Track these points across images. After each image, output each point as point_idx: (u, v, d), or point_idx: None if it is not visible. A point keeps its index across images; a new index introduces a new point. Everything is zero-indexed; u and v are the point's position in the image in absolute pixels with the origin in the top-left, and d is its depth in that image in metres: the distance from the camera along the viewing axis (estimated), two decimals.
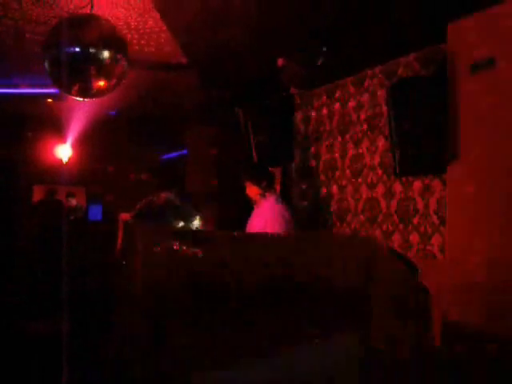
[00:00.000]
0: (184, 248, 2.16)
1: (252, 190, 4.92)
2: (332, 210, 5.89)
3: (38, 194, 9.90)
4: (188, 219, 2.46)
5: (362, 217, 5.50)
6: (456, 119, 4.29)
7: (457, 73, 4.29)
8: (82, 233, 8.77)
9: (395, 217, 5.11)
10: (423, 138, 4.47)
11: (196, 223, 2.50)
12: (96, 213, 10.33)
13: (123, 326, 2.41)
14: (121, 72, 4.45)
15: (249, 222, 4.92)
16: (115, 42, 4.43)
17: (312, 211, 6.12)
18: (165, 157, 9.72)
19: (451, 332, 4.25)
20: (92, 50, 4.22)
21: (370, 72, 5.49)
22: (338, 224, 5.80)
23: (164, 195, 2.57)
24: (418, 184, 4.88)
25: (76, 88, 4.49)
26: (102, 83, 4.42)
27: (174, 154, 9.31)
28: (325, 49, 4.96)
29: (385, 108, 5.09)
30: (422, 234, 4.82)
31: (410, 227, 4.94)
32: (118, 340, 2.60)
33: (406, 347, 2.67)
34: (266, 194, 4.88)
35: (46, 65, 4.46)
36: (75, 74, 4.38)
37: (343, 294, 2.62)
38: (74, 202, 9.57)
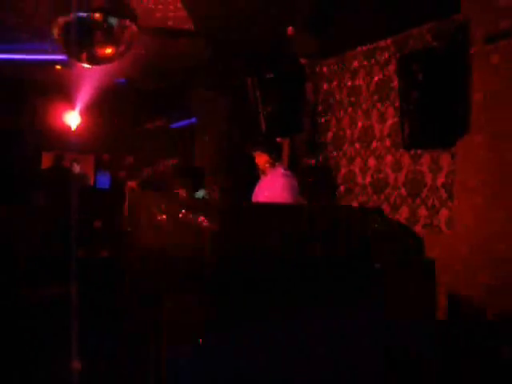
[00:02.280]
0: (189, 217, 2.17)
1: (261, 159, 4.88)
2: (340, 181, 5.87)
3: (46, 161, 9.92)
4: (194, 188, 2.46)
5: (369, 189, 5.48)
6: (468, 92, 4.24)
7: (471, 44, 4.22)
8: (90, 200, 8.81)
9: (403, 190, 5.08)
10: (434, 111, 4.42)
11: (202, 192, 2.50)
12: (104, 181, 10.35)
13: (129, 292, 2.43)
14: (129, 39, 4.42)
15: (255, 191, 4.90)
16: (123, 8, 4.39)
17: (319, 183, 6.10)
18: (174, 125, 9.67)
19: (456, 305, 4.27)
20: (100, 17, 4.18)
21: (381, 43, 5.41)
22: (346, 196, 5.78)
23: (170, 163, 2.56)
24: (426, 157, 4.85)
25: (84, 54, 4.46)
26: (109, 50, 4.40)
27: (183, 123, 9.25)
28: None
29: (395, 79, 5.03)
30: (429, 207, 4.80)
31: (417, 201, 4.92)
32: (125, 305, 2.63)
33: (412, 317, 2.69)
34: (275, 163, 4.85)
35: (55, 31, 4.44)
36: (83, 41, 4.35)
37: (349, 265, 2.63)
38: (77, 168, 9.55)
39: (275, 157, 4.87)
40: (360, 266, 2.62)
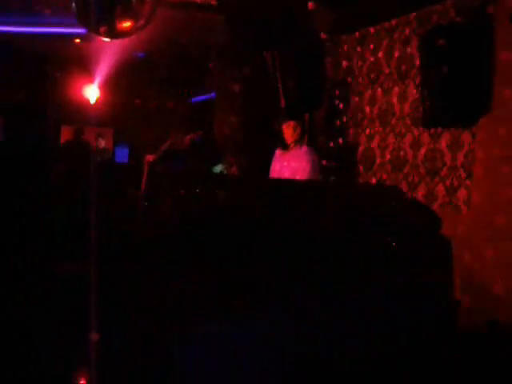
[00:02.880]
0: (207, 192, 2.18)
1: (292, 133, 4.85)
2: (359, 159, 5.83)
3: (65, 134, 9.96)
4: (212, 163, 2.46)
5: (388, 167, 5.44)
6: (491, 70, 4.17)
7: (495, 20, 4.14)
8: (109, 175, 8.86)
9: (422, 168, 5.04)
10: (455, 88, 4.36)
11: (220, 167, 2.50)
12: (123, 154, 10.38)
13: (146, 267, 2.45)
14: (149, 12, 4.37)
15: (274, 166, 4.88)
16: None
17: (339, 159, 6.06)
18: (194, 100, 9.62)
19: (472, 284, 4.26)
20: None
21: (403, 19, 5.32)
22: (364, 173, 5.75)
23: (188, 138, 2.56)
24: (446, 136, 4.79)
25: (103, 28, 4.44)
26: (128, 23, 4.36)
27: (203, 97, 9.20)
28: None
29: (417, 56, 4.95)
30: (447, 186, 4.76)
31: (436, 179, 4.88)
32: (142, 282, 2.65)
33: (426, 297, 2.68)
34: (302, 141, 4.85)
35: (73, 5, 4.41)
36: (102, 14, 4.32)
37: (368, 242, 2.63)
38: (103, 143, 9.59)
39: (301, 133, 4.85)
40: (377, 242, 2.62)
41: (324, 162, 5.82)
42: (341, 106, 6.10)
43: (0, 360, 3.83)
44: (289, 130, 4.86)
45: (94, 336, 3.21)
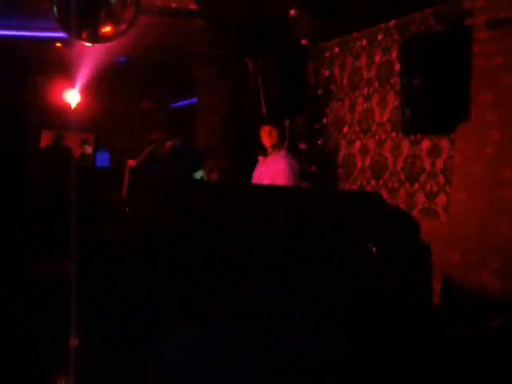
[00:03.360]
0: (188, 197, 2.18)
1: (270, 138, 4.85)
2: (339, 164, 5.87)
3: (45, 139, 9.88)
4: (192, 169, 2.47)
5: (368, 173, 5.49)
6: (469, 77, 4.23)
7: (474, 30, 4.20)
8: (90, 180, 8.82)
9: (401, 174, 5.09)
10: (435, 96, 4.41)
11: (200, 173, 2.50)
12: (104, 159, 10.32)
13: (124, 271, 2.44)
14: (130, 17, 4.38)
15: (255, 172, 4.90)
16: None
17: (319, 165, 6.10)
18: (175, 105, 9.60)
19: (451, 290, 4.30)
20: None
21: (383, 26, 5.39)
22: (344, 179, 5.79)
23: (169, 144, 2.56)
24: (426, 142, 4.85)
25: (85, 33, 4.43)
26: (110, 28, 4.36)
27: (184, 103, 9.19)
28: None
29: (397, 64, 5.01)
30: (427, 193, 4.81)
31: (416, 185, 4.93)
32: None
33: (406, 300, 2.71)
34: (280, 145, 4.84)
35: (55, 8, 4.40)
36: (84, 19, 4.31)
37: (347, 248, 2.64)
38: (89, 149, 9.57)
39: (281, 138, 4.85)
40: (356, 247, 2.63)
41: (305, 167, 5.85)
42: (322, 111, 6.14)
43: None
44: (265, 135, 4.87)
45: (74, 341, 3.19)
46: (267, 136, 4.86)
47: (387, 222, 3.02)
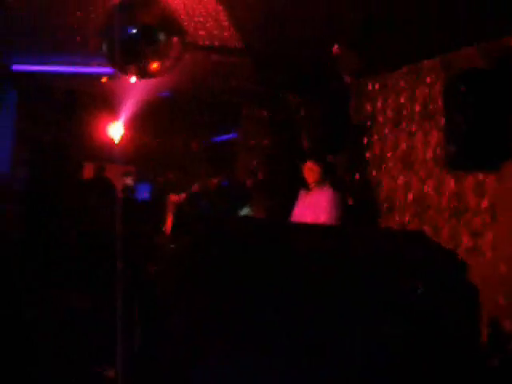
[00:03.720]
0: (237, 236, 2.17)
1: (312, 174, 4.86)
2: (381, 201, 5.81)
3: (88, 171, 10.09)
4: (239, 206, 2.46)
5: (411, 210, 5.41)
6: None
7: None
8: (131, 212, 8.93)
9: (445, 212, 5.00)
10: (479, 133, 4.35)
11: (246, 210, 2.49)
12: (144, 192, 10.46)
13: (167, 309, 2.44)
14: (176, 54, 4.47)
15: (297, 209, 4.89)
16: (172, 24, 4.46)
17: (361, 203, 6.05)
18: (217, 139, 9.68)
19: (498, 332, 4.17)
20: (149, 32, 4.25)
21: (427, 63, 5.36)
22: (386, 216, 5.72)
23: (216, 181, 2.57)
24: (470, 179, 4.76)
25: (132, 68, 4.54)
26: (157, 64, 4.46)
27: (227, 136, 9.26)
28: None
29: (441, 101, 4.97)
30: (472, 231, 4.71)
31: (460, 223, 4.83)
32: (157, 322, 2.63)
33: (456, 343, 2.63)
34: (324, 181, 4.83)
35: (104, 45, 4.52)
36: (131, 55, 4.42)
37: (393, 287, 2.59)
38: (129, 180, 9.71)
39: (325, 174, 4.84)
40: (403, 288, 2.58)
41: (347, 203, 5.80)
42: (364, 148, 6.11)
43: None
44: (308, 172, 4.88)
45: (110, 372, 3.19)
46: (310, 173, 4.87)
47: (433, 261, 2.96)
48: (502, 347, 4.09)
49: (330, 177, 5.09)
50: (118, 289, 3.52)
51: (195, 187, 2.46)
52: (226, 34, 5.40)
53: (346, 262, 2.47)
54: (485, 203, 4.63)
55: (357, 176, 6.13)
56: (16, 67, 7.41)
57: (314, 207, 4.68)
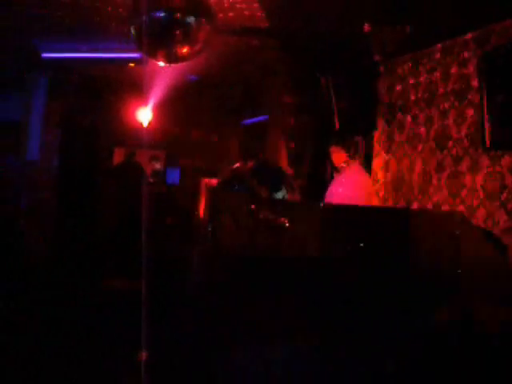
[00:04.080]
0: (272, 217, 2.16)
1: (338, 157, 4.85)
2: (414, 183, 5.73)
3: (118, 157, 10.19)
4: (274, 188, 2.44)
5: (444, 191, 5.32)
6: None
7: None
8: (161, 196, 9.00)
9: (480, 192, 4.90)
10: None
11: (282, 193, 2.47)
12: (174, 176, 10.53)
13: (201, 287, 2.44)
14: (205, 37, 4.44)
15: (329, 189, 4.86)
16: (200, 6, 4.42)
17: (393, 183, 5.97)
18: (247, 122, 9.67)
19: None
20: (178, 16, 4.23)
21: (460, 40, 5.23)
22: (420, 197, 5.64)
23: (251, 163, 2.56)
24: (507, 158, 4.65)
25: (161, 53, 4.53)
26: (186, 49, 4.44)
27: (257, 119, 9.24)
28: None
29: (475, 78, 4.85)
30: (509, 211, 4.61)
31: (496, 203, 4.74)
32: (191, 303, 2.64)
33: (496, 330, 2.58)
34: (351, 161, 4.81)
35: (132, 30, 4.51)
36: (160, 40, 4.41)
37: (431, 269, 2.55)
38: (157, 165, 9.81)
39: (352, 155, 4.83)
40: (445, 271, 2.54)
41: (378, 185, 5.74)
42: (396, 128, 6.02)
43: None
44: (334, 155, 4.87)
45: (143, 355, 3.22)
46: (335, 155, 4.85)
47: (473, 242, 2.91)
48: None
49: (356, 157, 5.06)
50: (152, 271, 3.54)
51: (229, 171, 2.45)
52: (255, 13, 5.35)
53: (385, 245, 2.44)
54: None
55: (388, 156, 6.04)
56: (46, 54, 7.47)
57: (344, 187, 4.67)
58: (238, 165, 2.74)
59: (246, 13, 5.36)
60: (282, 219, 2.18)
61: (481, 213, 4.89)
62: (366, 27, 4.90)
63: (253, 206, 2.23)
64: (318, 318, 2.07)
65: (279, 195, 2.63)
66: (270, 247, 2.21)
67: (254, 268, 2.19)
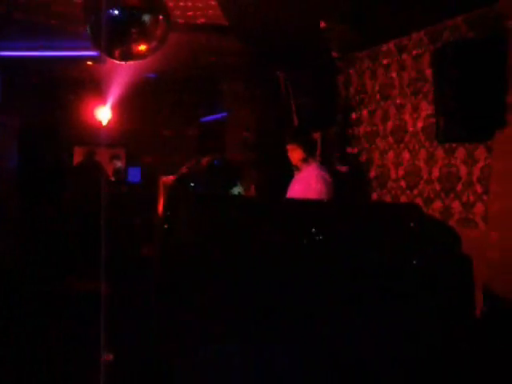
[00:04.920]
0: (227, 214, 2.17)
1: (295, 155, 4.87)
2: (372, 176, 5.82)
3: (78, 156, 10.05)
4: (230, 185, 2.46)
5: (402, 184, 5.43)
6: (506, 83, 4.16)
7: (510, 35, 4.14)
8: (122, 195, 8.92)
9: (437, 184, 5.02)
10: (469, 104, 4.35)
11: (237, 189, 2.49)
12: (135, 174, 10.43)
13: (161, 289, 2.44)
14: (162, 35, 4.42)
15: (290, 187, 4.90)
16: (157, 4, 4.40)
17: (352, 177, 6.06)
18: (206, 119, 9.65)
19: (492, 303, 4.21)
20: (133, 13, 4.19)
21: (414, 35, 5.34)
22: (378, 190, 5.73)
23: (206, 160, 2.57)
24: (461, 151, 4.77)
25: (117, 51, 4.49)
26: (143, 46, 4.41)
27: (215, 116, 9.24)
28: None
29: (429, 73, 4.96)
30: (463, 202, 4.73)
31: (451, 195, 4.86)
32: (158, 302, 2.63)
33: (448, 317, 2.65)
34: (309, 159, 4.84)
35: (88, 28, 4.46)
36: (116, 37, 4.37)
37: (387, 263, 2.59)
38: (118, 163, 9.70)
39: (309, 152, 4.85)
40: (397, 263, 2.58)
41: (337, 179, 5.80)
42: (353, 123, 6.11)
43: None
44: (290, 153, 4.90)
45: (106, 356, 3.21)
46: (292, 154, 4.87)
47: (427, 234, 2.97)
48: (495, 314, 4.13)
49: (313, 154, 5.09)
50: (113, 272, 3.51)
51: (185, 168, 2.45)
52: (212, 10, 5.34)
53: (338, 236, 2.46)
54: (476, 174, 4.64)
55: (347, 151, 6.13)
56: (1, 53, 7.32)
57: (303, 184, 4.70)
58: (193, 162, 2.74)
59: (205, 10, 5.36)
60: (238, 215, 2.19)
61: (437, 205, 5.01)
62: (323, 24, 4.94)
63: (209, 203, 2.24)
64: (272, 314, 2.09)
65: (235, 191, 2.64)
66: (226, 244, 2.23)
67: (211, 265, 2.20)
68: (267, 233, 2.19)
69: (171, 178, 3.01)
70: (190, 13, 5.28)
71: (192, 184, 2.64)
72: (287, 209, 2.50)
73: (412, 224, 2.90)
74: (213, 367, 2.07)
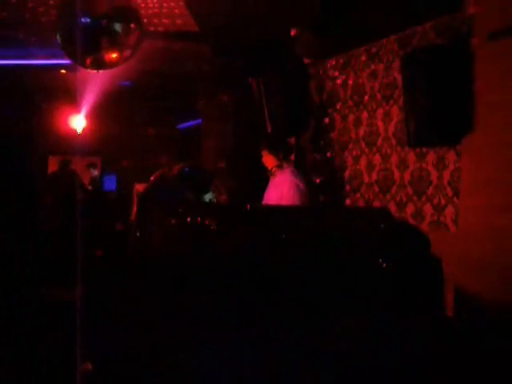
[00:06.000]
0: (198, 221, 2.19)
1: (269, 161, 4.91)
2: (345, 180, 5.88)
3: (53, 165, 9.98)
4: (201, 192, 2.48)
5: (375, 188, 5.49)
6: (473, 88, 4.25)
7: (474, 41, 4.23)
8: (97, 204, 8.88)
9: (409, 188, 5.09)
10: (438, 109, 4.43)
11: (209, 196, 2.51)
12: (110, 183, 10.39)
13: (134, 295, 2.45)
14: (134, 43, 4.44)
15: (265, 193, 4.93)
16: (128, 12, 4.41)
17: (325, 182, 6.11)
18: (182, 126, 9.66)
19: (463, 303, 4.27)
20: (104, 22, 4.21)
21: (384, 41, 5.41)
22: (352, 195, 5.79)
23: (177, 167, 2.59)
24: (432, 155, 4.85)
25: (89, 59, 4.49)
26: (114, 55, 4.42)
27: (189, 124, 9.25)
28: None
29: (399, 78, 5.03)
30: (435, 205, 4.81)
31: (423, 198, 4.93)
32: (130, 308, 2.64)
33: (418, 318, 2.69)
34: (283, 165, 4.88)
35: (59, 37, 4.46)
36: (88, 46, 4.37)
37: (357, 265, 2.64)
38: (95, 172, 9.67)
39: (283, 158, 4.89)
40: (367, 266, 2.62)
41: (311, 184, 5.86)
42: (326, 128, 6.16)
43: None
44: (264, 159, 4.95)
45: (84, 366, 3.20)
46: (266, 160, 4.92)
47: (396, 237, 3.01)
48: (466, 316, 4.20)
49: (287, 160, 5.14)
50: (89, 280, 3.50)
51: (154, 176, 2.46)
52: (184, 18, 5.37)
53: (309, 240, 2.50)
54: (446, 177, 4.72)
55: (320, 156, 6.18)
56: None
57: (277, 191, 4.73)
58: (165, 169, 2.77)
59: (177, 18, 5.38)
60: (209, 221, 2.22)
61: (410, 208, 5.08)
62: (293, 31, 5.00)
63: (180, 210, 2.27)
64: (243, 316, 2.12)
65: (206, 198, 2.67)
66: (198, 249, 2.25)
67: (184, 272, 2.22)
68: (235, 237, 2.22)
69: (144, 185, 3.03)
70: (163, 18, 5.29)
71: (163, 192, 2.67)
72: (257, 214, 2.54)
73: (382, 227, 2.96)
74: (189, 371, 2.09)
